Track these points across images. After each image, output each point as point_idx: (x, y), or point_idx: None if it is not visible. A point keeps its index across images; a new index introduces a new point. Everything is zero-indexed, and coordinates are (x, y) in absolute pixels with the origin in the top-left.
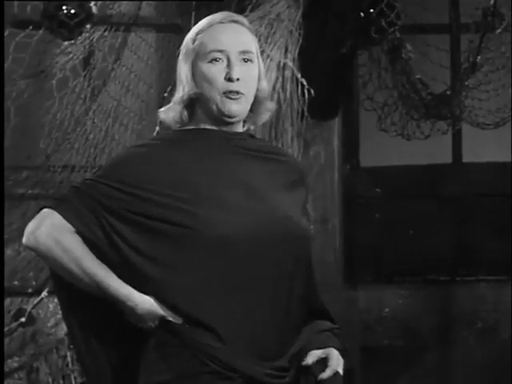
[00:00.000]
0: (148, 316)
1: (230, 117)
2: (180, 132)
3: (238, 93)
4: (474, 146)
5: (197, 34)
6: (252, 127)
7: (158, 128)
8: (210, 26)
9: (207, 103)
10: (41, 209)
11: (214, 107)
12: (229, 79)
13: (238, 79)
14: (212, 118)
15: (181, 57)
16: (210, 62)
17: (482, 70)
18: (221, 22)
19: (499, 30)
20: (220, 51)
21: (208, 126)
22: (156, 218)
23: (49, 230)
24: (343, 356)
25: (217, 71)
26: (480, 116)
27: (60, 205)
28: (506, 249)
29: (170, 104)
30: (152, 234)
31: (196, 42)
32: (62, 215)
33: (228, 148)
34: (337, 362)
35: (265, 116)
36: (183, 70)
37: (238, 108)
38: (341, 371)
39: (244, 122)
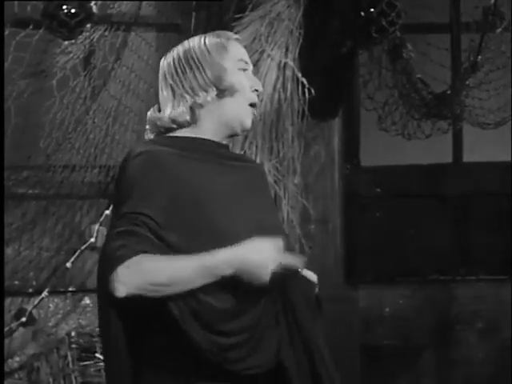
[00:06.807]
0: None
1: (244, 131)
2: (180, 140)
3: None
4: (474, 146)
5: (216, 45)
6: None
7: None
8: (228, 39)
9: (227, 111)
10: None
11: (236, 117)
12: (255, 90)
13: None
14: (219, 128)
15: (196, 64)
16: (241, 69)
17: (483, 69)
18: (231, 39)
19: (500, 30)
20: (247, 63)
21: (206, 136)
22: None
23: (126, 272)
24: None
25: (246, 80)
26: (480, 115)
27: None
28: (506, 249)
29: (183, 108)
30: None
31: (219, 50)
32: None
33: (214, 158)
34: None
35: None
36: (200, 76)
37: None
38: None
39: None
